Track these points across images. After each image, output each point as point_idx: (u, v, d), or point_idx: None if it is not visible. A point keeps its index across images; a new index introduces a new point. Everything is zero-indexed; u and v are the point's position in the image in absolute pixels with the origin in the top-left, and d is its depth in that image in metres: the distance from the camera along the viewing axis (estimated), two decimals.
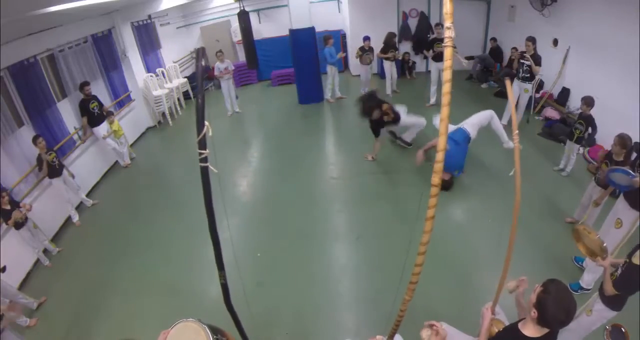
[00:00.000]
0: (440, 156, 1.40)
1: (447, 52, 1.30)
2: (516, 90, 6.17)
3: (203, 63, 1.61)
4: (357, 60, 8.28)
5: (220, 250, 1.94)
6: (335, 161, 6.19)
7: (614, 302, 2.32)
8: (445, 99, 1.35)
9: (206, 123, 1.59)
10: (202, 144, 1.62)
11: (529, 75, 5.85)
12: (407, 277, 1.77)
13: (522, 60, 5.85)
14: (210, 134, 1.61)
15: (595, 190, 3.73)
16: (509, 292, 2.20)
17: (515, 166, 1.99)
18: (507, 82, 2.22)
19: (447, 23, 1.25)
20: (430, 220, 1.52)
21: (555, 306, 1.53)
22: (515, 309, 2.19)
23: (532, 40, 5.68)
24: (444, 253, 3.88)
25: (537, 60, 5.66)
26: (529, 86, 5.97)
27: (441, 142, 1.38)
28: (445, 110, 1.34)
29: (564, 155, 5.06)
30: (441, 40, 6.98)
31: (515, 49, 7.50)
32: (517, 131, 1.96)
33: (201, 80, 1.64)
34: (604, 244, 2.21)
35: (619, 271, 2.25)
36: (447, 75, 1.31)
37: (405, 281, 1.84)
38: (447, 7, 1.23)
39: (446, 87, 1.33)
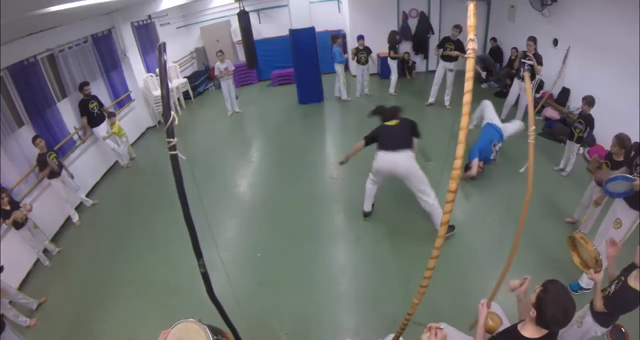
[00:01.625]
0: (457, 164, 1.42)
1: (470, 64, 1.31)
2: (516, 90, 6.23)
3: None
4: (355, 60, 8.31)
5: (196, 237, 1.97)
6: (335, 161, 6.18)
7: (603, 319, 2.26)
8: (466, 109, 1.36)
9: (172, 113, 1.69)
10: (170, 133, 1.71)
11: (530, 74, 5.85)
12: (416, 278, 1.77)
13: (523, 60, 5.90)
14: (176, 122, 1.70)
15: (596, 191, 3.72)
16: (511, 290, 2.19)
17: (529, 163, 1.99)
18: (526, 76, 2.23)
19: (471, 35, 1.27)
20: (445, 225, 1.56)
21: (554, 306, 1.54)
22: (513, 307, 2.19)
23: (533, 40, 5.75)
24: (444, 253, 3.87)
25: (538, 59, 5.74)
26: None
27: (459, 150, 1.41)
28: (465, 120, 1.37)
29: (564, 155, 5.07)
30: (453, 42, 6.93)
31: (515, 49, 7.51)
32: (533, 127, 1.95)
33: (165, 73, 1.74)
34: (599, 257, 2.14)
35: (612, 288, 2.18)
36: (468, 86, 1.33)
37: (413, 282, 1.84)
38: (471, 20, 1.27)
39: (466, 98, 1.34)
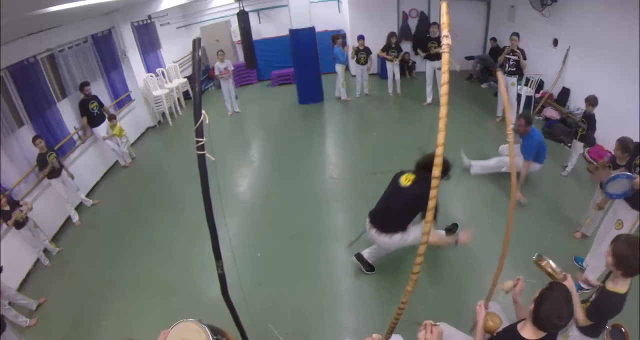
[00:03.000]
0: (439, 151, 1.48)
1: (445, 58, 1.42)
2: (503, 85, 6.31)
3: (201, 60, 1.68)
4: (354, 60, 8.31)
5: (217, 240, 1.95)
6: (335, 161, 6.18)
7: (589, 329, 2.17)
8: (444, 99, 1.46)
9: (203, 111, 1.64)
10: (200, 132, 1.65)
11: (515, 69, 6.13)
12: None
13: (508, 55, 6.10)
14: (207, 122, 1.65)
15: (598, 193, 3.70)
16: (505, 292, 2.21)
17: (510, 162, 2.03)
18: (499, 73, 2.33)
19: (445, 31, 1.39)
20: (431, 211, 1.59)
21: (550, 305, 1.55)
22: (512, 305, 2.19)
23: (517, 35, 6.02)
24: (444, 253, 3.88)
25: (523, 54, 5.98)
26: (514, 80, 6.25)
27: (440, 138, 1.47)
28: (443, 110, 1.46)
29: (570, 154, 5.08)
30: (435, 39, 7.04)
31: (508, 47, 7.58)
32: (511, 126, 2.04)
33: (198, 70, 1.69)
34: (554, 265, 2.17)
35: (593, 297, 2.13)
36: (444, 78, 1.43)
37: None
38: (444, 18, 1.39)
39: (444, 89, 1.44)
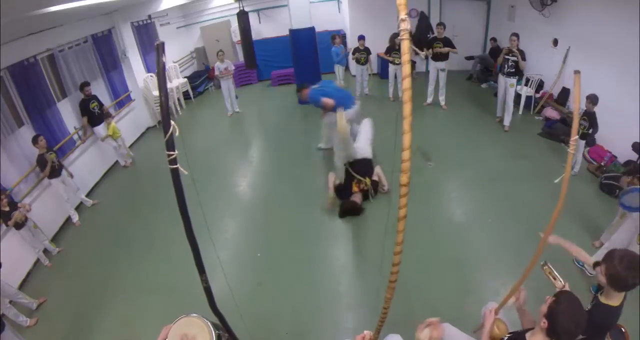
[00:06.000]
0: (406, 155, 1.37)
1: (404, 46, 1.21)
2: (502, 85, 6.35)
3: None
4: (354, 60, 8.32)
5: (199, 253, 1.89)
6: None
7: None
8: (406, 96, 1.28)
9: (172, 123, 1.52)
10: (170, 145, 1.52)
11: (514, 70, 6.09)
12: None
13: (507, 56, 6.07)
14: (177, 134, 1.53)
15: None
16: (511, 306, 2.19)
17: (566, 174, 1.96)
18: (576, 77, 1.86)
19: (402, 14, 1.18)
20: (403, 219, 1.48)
21: (566, 317, 1.53)
22: (515, 312, 2.18)
23: (516, 35, 5.95)
24: (444, 253, 3.88)
25: (522, 54, 5.93)
26: (514, 81, 6.20)
27: (406, 140, 1.33)
28: (407, 107, 1.30)
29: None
30: (440, 40, 7.01)
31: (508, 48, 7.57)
32: (575, 137, 1.86)
33: (163, 78, 1.53)
34: (549, 269, 2.15)
35: (588, 307, 2.03)
36: (405, 69, 1.23)
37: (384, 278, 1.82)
38: None
39: (405, 83, 1.25)
